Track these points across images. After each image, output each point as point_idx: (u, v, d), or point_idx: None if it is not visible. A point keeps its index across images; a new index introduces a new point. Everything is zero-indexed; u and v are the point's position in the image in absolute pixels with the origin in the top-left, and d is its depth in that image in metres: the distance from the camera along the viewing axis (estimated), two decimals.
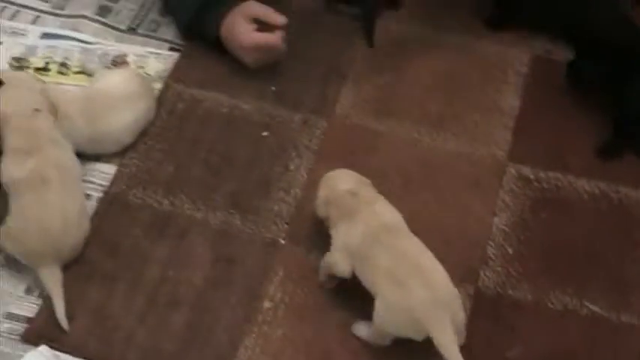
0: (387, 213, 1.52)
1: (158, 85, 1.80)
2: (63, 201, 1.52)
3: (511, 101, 1.83)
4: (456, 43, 1.92)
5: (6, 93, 1.61)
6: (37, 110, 1.59)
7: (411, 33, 1.92)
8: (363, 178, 1.57)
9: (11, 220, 1.52)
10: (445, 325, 1.39)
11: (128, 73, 1.77)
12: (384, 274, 1.44)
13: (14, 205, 1.53)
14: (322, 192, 1.55)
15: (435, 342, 1.38)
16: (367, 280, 1.46)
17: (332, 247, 1.51)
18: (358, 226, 1.49)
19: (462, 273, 1.56)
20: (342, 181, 1.55)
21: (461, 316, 1.43)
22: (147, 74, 1.82)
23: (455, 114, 1.79)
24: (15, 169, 1.55)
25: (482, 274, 1.58)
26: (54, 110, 1.63)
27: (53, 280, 1.49)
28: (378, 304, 1.44)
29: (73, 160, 1.60)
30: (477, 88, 1.84)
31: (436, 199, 1.67)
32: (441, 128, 1.77)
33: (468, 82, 1.85)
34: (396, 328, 1.43)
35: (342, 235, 1.50)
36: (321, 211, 1.54)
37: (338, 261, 1.49)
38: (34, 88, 1.64)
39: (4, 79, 1.63)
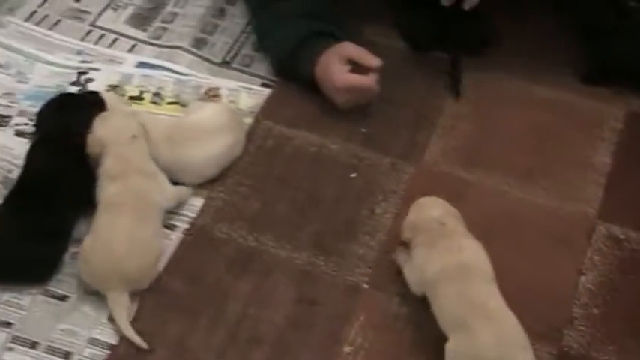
0: (468, 249, 1.51)
1: (248, 120, 1.81)
2: (133, 226, 1.54)
3: (603, 158, 1.81)
4: (549, 96, 1.90)
5: (108, 119, 1.64)
6: (134, 137, 1.62)
7: (504, 84, 1.90)
8: (454, 210, 1.57)
9: (85, 240, 1.55)
10: None
11: (220, 107, 1.79)
12: (450, 316, 1.44)
13: (92, 227, 1.56)
14: (411, 216, 1.57)
15: None
16: (435, 313, 1.47)
17: (413, 264, 1.53)
18: (436, 257, 1.49)
19: (544, 330, 1.54)
20: (431, 208, 1.56)
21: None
22: (238, 109, 1.84)
23: (545, 168, 1.77)
24: (100, 192, 1.58)
25: (566, 333, 1.55)
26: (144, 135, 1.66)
27: (118, 304, 1.50)
28: (447, 346, 1.44)
29: (158, 191, 1.61)
30: (569, 142, 1.82)
31: (521, 254, 1.65)
32: (530, 181, 1.75)
33: (560, 136, 1.83)
34: None
35: (421, 260, 1.51)
36: (406, 235, 1.55)
37: (412, 282, 1.53)
38: (131, 114, 1.68)
39: (103, 115, 1.66)
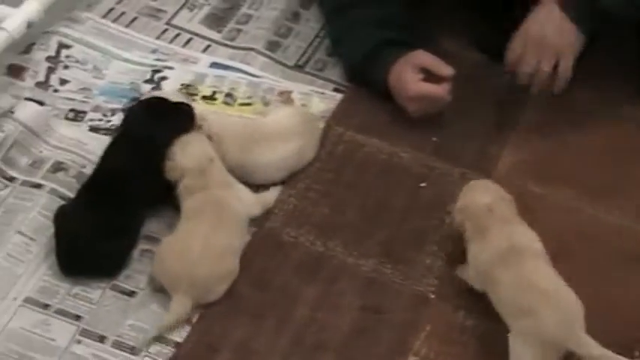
0: (517, 234, 1.51)
1: (320, 125, 1.82)
2: (209, 233, 1.55)
3: None
4: (626, 112, 1.87)
5: (188, 147, 1.64)
6: (211, 160, 1.63)
7: (579, 98, 1.87)
8: (505, 194, 1.56)
9: (164, 240, 1.58)
10: (585, 337, 1.41)
11: (293, 110, 1.79)
12: (510, 302, 1.45)
13: (175, 230, 1.58)
14: (460, 202, 1.57)
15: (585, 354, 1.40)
16: (495, 305, 1.47)
17: (469, 258, 1.53)
18: (487, 246, 1.50)
19: (617, 352, 1.50)
20: (481, 194, 1.56)
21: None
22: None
23: (619, 186, 1.75)
24: (181, 203, 1.60)
25: (638, 354, 1.52)
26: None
27: (178, 307, 1.50)
28: (511, 335, 1.44)
29: (237, 199, 1.62)
30: None
31: (591, 272, 1.62)
32: (604, 199, 1.73)
33: (636, 153, 1.80)
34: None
35: (473, 252, 1.52)
36: (457, 219, 1.56)
37: (470, 278, 1.53)
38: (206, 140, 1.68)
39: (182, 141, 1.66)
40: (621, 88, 1.90)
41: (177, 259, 1.52)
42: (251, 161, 1.70)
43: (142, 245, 1.61)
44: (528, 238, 1.52)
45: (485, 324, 1.54)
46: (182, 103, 1.68)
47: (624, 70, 1.92)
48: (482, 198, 1.54)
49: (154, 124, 1.62)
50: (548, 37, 1.73)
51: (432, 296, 1.58)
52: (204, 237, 1.54)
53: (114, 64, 1.91)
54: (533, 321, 1.41)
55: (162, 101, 1.68)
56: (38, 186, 1.66)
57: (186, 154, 1.62)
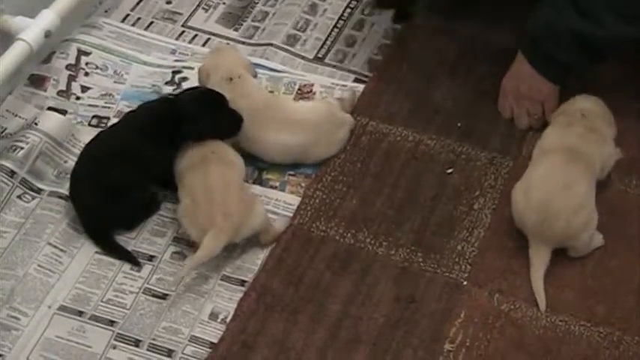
0: (584, 140, 1.63)
1: (346, 129, 1.77)
2: (221, 170, 1.60)
3: None
4: None
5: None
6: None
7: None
8: (605, 112, 1.71)
9: (183, 198, 1.60)
10: None
11: (323, 106, 1.77)
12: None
13: (181, 189, 1.62)
14: (564, 105, 1.74)
15: None
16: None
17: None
18: (557, 135, 1.67)
19: None
20: (583, 101, 1.71)
21: None
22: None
23: None
24: (180, 160, 1.64)
25: None
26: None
27: (213, 241, 1.53)
28: None
29: (236, 155, 1.66)
30: None
31: (625, 248, 1.61)
32: (630, 172, 1.71)
33: None
34: None
35: (547, 131, 1.71)
36: (555, 115, 1.73)
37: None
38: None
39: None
40: None
41: (205, 201, 1.57)
42: (261, 137, 1.70)
43: (171, 248, 1.61)
44: (592, 152, 1.63)
45: (520, 307, 1.53)
46: (234, 111, 1.69)
47: None
48: (582, 104, 1.71)
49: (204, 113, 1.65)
50: (524, 92, 1.78)
51: (465, 283, 1.57)
52: (221, 175, 1.60)
53: (134, 68, 1.92)
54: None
55: (217, 96, 1.68)
56: (66, 197, 1.66)
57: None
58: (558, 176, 1.58)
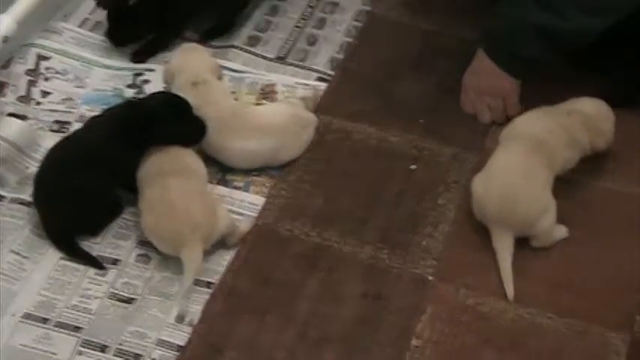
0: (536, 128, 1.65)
1: (311, 129, 1.77)
2: (180, 181, 1.59)
3: None
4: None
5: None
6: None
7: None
8: (592, 120, 1.69)
9: (143, 214, 1.59)
10: None
11: (286, 109, 1.76)
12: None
13: (142, 201, 1.60)
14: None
15: None
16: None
17: None
18: (526, 122, 1.69)
19: (618, 319, 1.52)
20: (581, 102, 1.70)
21: None
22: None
23: (614, 152, 1.73)
24: (141, 168, 1.63)
25: (639, 319, 1.52)
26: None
27: (192, 256, 1.53)
28: None
29: (196, 161, 1.66)
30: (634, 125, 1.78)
31: (591, 239, 1.62)
32: (599, 167, 1.72)
33: (623, 116, 1.76)
34: None
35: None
36: None
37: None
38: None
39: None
40: None
41: (165, 216, 1.56)
42: (227, 144, 1.69)
43: (136, 250, 1.60)
44: (544, 137, 1.64)
45: (487, 301, 1.54)
46: (198, 118, 1.67)
47: None
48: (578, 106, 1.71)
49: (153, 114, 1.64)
50: (485, 87, 1.79)
51: (431, 278, 1.57)
52: (180, 189, 1.58)
53: (95, 72, 1.90)
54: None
55: (182, 102, 1.67)
56: (28, 204, 1.64)
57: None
58: (518, 164, 1.60)
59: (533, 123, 1.67)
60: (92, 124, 1.68)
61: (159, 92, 1.75)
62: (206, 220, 1.57)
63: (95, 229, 1.63)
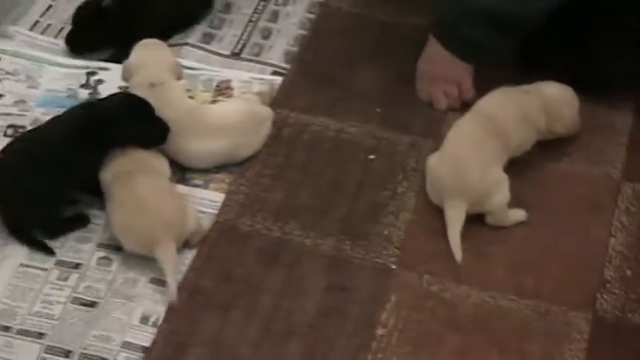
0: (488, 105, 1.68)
1: (268, 124, 1.77)
2: (149, 179, 1.59)
3: (624, 117, 1.79)
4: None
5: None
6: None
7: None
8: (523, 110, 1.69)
9: (113, 215, 1.58)
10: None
11: (241, 107, 1.75)
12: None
13: (111, 204, 1.59)
14: None
15: None
16: None
17: None
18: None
19: (580, 298, 1.53)
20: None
21: None
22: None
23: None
24: (106, 171, 1.62)
25: (599, 298, 1.53)
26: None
27: (167, 255, 1.53)
28: None
29: (159, 159, 1.65)
30: (590, 105, 1.78)
31: (550, 221, 1.64)
32: (553, 147, 1.73)
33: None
34: None
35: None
36: None
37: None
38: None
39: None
40: None
41: (138, 214, 1.55)
42: (184, 146, 1.68)
43: (97, 254, 1.59)
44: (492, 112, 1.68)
45: (450, 287, 1.55)
46: (161, 120, 1.66)
47: None
48: None
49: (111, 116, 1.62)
50: (439, 74, 1.80)
51: (394, 267, 1.58)
52: (150, 186, 1.58)
53: (47, 71, 1.88)
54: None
55: (144, 103, 1.65)
56: None
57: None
58: (468, 135, 1.63)
59: (488, 100, 1.69)
60: (50, 124, 1.66)
61: (119, 93, 1.73)
62: (178, 218, 1.57)
63: (52, 231, 1.61)
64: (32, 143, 1.63)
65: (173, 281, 1.52)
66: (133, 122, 1.62)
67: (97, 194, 1.63)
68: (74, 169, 1.61)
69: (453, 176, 1.59)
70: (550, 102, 1.69)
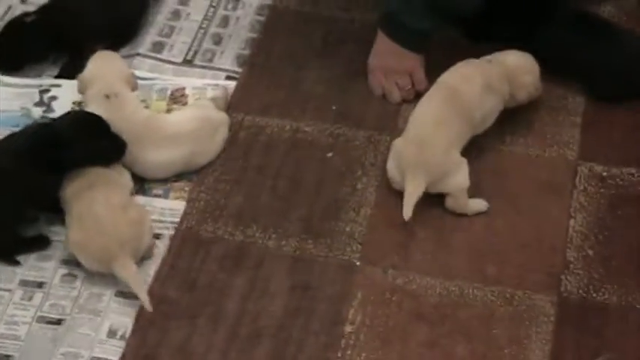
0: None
1: (224, 130, 1.76)
2: (106, 195, 1.57)
3: (576, 98, 1.80)
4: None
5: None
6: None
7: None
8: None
9: (70, 231, 1.57)
10: None
11: (195, 114, 1.75)
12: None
13: (69, 218, 1.59)
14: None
15: None
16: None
17: None
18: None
19: (542, 279, 1.55)
20: None
21: None
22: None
23: (520, 116, 1.76)
24: (65, 187, 1.61)
25: (563, 279, 1.55)
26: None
27: (126, 270, 1.53)
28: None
29: (120, 172, 1.65)
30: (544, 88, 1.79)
31: (509, 207, 1.65)
32: (508, 132, 1.75)
33: None
34: None
35: None
36: None
37: None
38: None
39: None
40: None
41: (93, 230, 1.55)
42: (141, 157, 1.68)
43: (60, 271, 1.59)
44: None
45: (414, 279, 1.55)
46: (116, 136, 1.65)
47: None
48: None
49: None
50: (390, 66, 1.81)
51: (358, 263, 1.58)
52: (104, 200, 1.57)
53: None
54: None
55: (98, 120, 1.64)
56: None
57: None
58: (431, 111, 1.65)
59: (451, 72, 1.71)
60: (3, 144, 1.64)
61: (72, 112, 1.72)
62: (133, 233, 1.56)
63: (11, 252, 1.60)
64: None
65: (143, 292, 1.52)
66: (87, 142, 1.61)
67: (56, 212, 1.62)
68: (31, 190, 1.60)
69: (415, 153, 1.61)
70: (512, 70, 1.71)
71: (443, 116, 1.64)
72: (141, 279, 1.54)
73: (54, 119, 1.72)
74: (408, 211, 1.58)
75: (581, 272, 1.55)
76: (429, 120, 1.64)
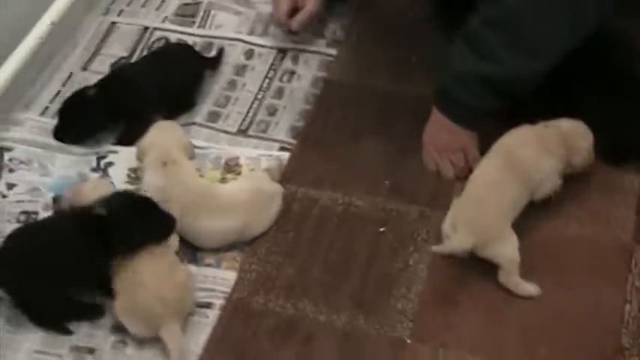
0: None
1: (277, 201, 1.78)
2: (151, 259, 1.59)
3: (631, 178, 1.79)
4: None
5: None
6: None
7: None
8: None
9: (117, 298, 1.59)
10: None
11: (248, 185, 1.77)
12: None
13: (117, 282, 1.60)
14: None
15: None
16: None
17: None
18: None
19: None
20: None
21: None
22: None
23: (574, 195, 1.76)
24: None
25: None
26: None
27: (171, 335, 1.54)
28: None
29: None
30: (595, 167, 1.79)
31: (563, 287, 1.63)
32: (562, 212, 1.74)
33: None
34: None
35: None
36: None
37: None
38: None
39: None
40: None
41: (138, 297, 1.56)
42: (194, 225, 1.70)
43: (111, 338, 1.59)
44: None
45: (464, 358, 1.54)
46: (164, 214, 1.66)
47: None
48: None
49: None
50: (444, 143, 1.82)
51: (409, 340, 1.57)
52: (150, 271, 1.58)
53: (59, 159, 1.90)
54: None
55: (145, 201, 1.66)
56: None
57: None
58: (488, 175, 1.69)
59: (509, 135, 1.73)
60: (52, 233, 1.64)
61: (119, 194, 1.69)
62: (178, 295, 1.57)
63: (61, 320, 1.62)
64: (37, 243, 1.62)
65: (176, 356, 1.52)
66: (136, 225, 1.61)
67: (108, 292, 1.62)
68: (82, 273, 1.61)
69: (469, 210, 1.64)
70: (567, 134, 1.73)
71: (499, 178, 1.67)
72: (180, 346, 1.54)
73: (101, 205, 1.65)
74: (439, 248, 1.63)
75: (637, 359, 1.53)
76: (485, 181, 1.68)
